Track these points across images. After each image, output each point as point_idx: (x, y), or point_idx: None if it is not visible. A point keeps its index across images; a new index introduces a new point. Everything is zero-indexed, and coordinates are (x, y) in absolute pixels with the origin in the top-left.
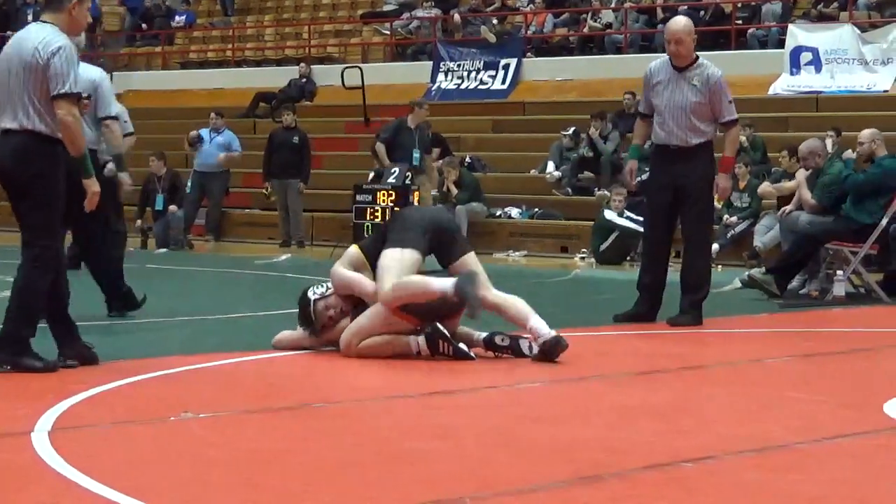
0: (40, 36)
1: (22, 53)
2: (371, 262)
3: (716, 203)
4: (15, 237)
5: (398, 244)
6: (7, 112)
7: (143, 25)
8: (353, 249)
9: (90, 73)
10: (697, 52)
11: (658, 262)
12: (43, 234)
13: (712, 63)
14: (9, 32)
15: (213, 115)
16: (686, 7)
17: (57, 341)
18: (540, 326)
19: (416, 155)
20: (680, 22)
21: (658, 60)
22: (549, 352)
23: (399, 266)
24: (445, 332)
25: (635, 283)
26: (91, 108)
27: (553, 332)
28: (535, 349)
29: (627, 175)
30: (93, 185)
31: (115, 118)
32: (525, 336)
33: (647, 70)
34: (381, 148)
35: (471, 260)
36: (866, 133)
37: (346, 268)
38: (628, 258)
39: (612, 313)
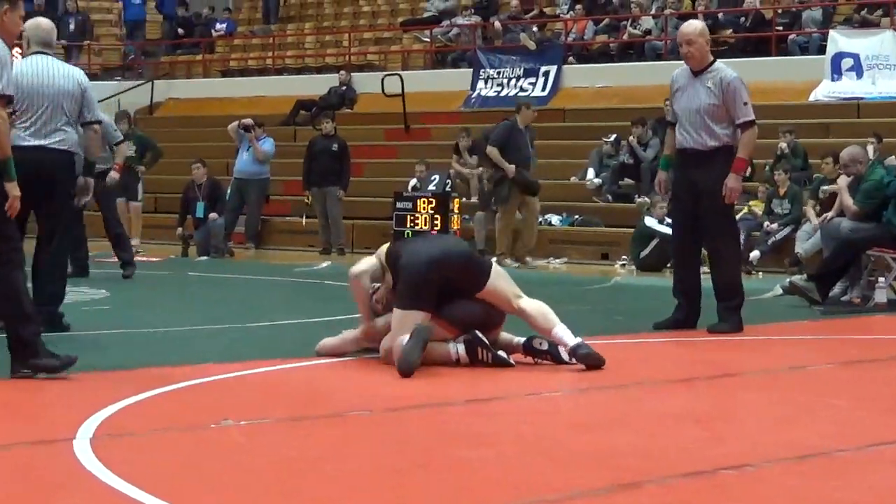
0: None
1: None
2: (390, 266)
3: (752, 208)
4: None
5: (406, 304)
6: None
7: (181, 31)
8: (382, 252)
9: (75, 73)
10: (737, 59)
11: (689, 266)
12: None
13: (748, 69)
14: None
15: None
16: (723, 13)
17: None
18: (564, 335)
19: (531, 154)
20: (691, 24)
21: (679, 68)
22: (582, 360)
23: (407, 329)
24: (485, 339)
25: (672, 291)
26: (75, 111)
27: (577, 340)
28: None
29: (657, 186)
30: (13, 190)
31: (100, 122)
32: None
33: (671, 78)
34: (494, 152)
35: (493, 285)
36: None
37: (377, 261)
38: (668, 265)
39: (652, 320)
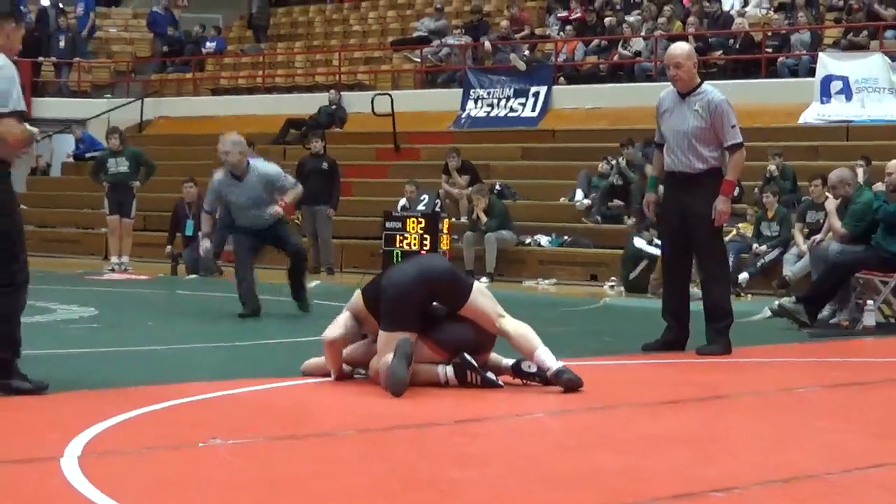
0: None
1: None
2: (373, 313)
3: (741, 231)
4: None
5: (390, 326)
6: None
7: (165, 48)
8: (357, 300)
9: None
10: (726, 81)
11: (678, 288)
12: (6, 260)
13: (737, 92)
14: (40, 59)
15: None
16: (711, 34)
17: None
18: (546, 358)
19: None
20: (679, 47)
21: (666, 90)
22: (563, 386)
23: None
24: (473, 362)
25: (661, 313)
26: None
27: (558, 365)
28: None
29: (646, 208)
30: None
31: None
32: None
33: (658, 100)
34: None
35: (475, 302)
36: (895, 163)
37: (350, 318)
38: None
39: (641, 342)
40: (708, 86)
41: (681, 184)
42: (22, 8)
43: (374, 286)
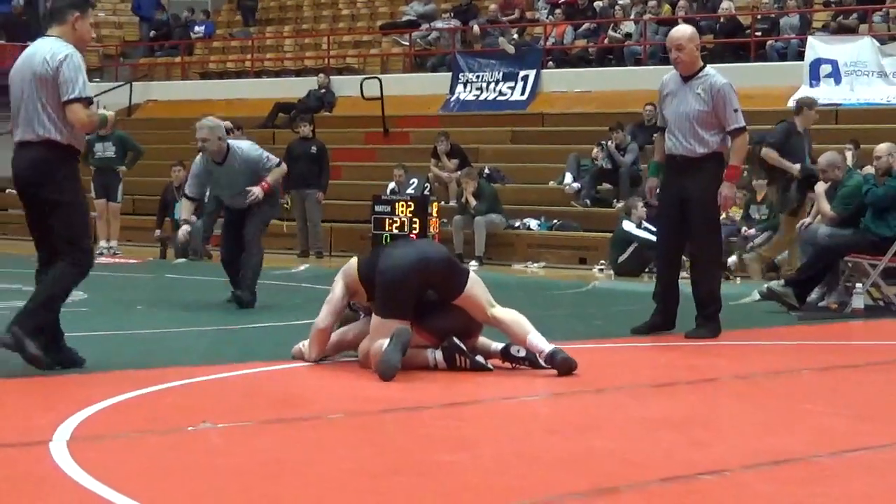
0: (47, 47)
1: (33, 66)
2: (365, 286)
3: (730, 213)
4: (13, 246)
5: (385, 312)
6: (23, 125)
7: (153, 33)
8: (352, 269)
9: None
10: (715, 64)
11: (670, 271)
12: (76, 240)
13: (726, 75)
14: (28, 43)
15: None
16: (700, 17)
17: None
18: (538, 342)
19: (808, 161)
20: (681, 29)
21: (669, 73)
22: (558, 368)
23: (385, 336)
24: (463, 346)
25: (651, 295)
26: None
27: (551, 347)
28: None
29: (647, 193)
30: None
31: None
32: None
33: (660, 83)
34: (772, 153)
35: (471, 292)
36: (883, 147)
37: (342, 289)
38: (646, 270)
39: (630, 325)
40: (711, 69)
41: (681, 167)
42: None
43: (371, 262)
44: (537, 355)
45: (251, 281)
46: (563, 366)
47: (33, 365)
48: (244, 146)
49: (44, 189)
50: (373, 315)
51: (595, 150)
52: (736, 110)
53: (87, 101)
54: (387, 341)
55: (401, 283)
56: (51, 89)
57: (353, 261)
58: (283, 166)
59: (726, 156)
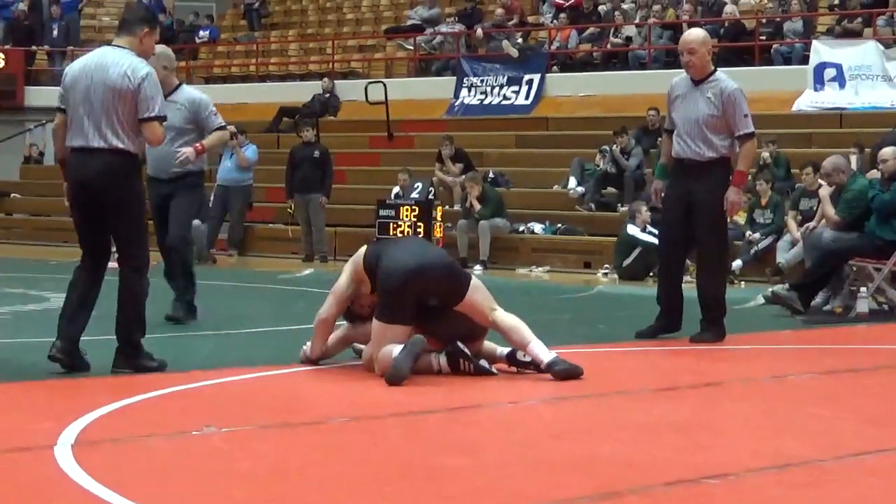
0: (126, 61)
1: (108, 77)
2: (370, 276)
3: (735, 218)
4: (18, 250)
5: (386, 317)
6: (89, 131)
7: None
8: (359, 257)
9: None
10: (721, 68)
11: (674, 275)
12: (138, 245)
13: (734, 78)
14: (33, 47)
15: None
16: (704, 21)
17: None
18: (539, 351)
19: None
20: (693, 32)
21: (680, 76)
22: (560, 376)
23: (388, 341)
24: (467, 351)
25: (655, 298)
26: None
27: (552, 355)
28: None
29: (653, 196)
30: None
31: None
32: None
33: (670, 85)
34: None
35: (472, 297)
36: (889, 151)
37: (347, 279)
38: (651, 274)
39: (635, 329)
40: (722, 74)
41: (688, 171)
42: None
43: (376, 254)
44: (539, 365)
45: (183, 290)
46: (564, 376)
47: (157, 370)
48: (196, 90)
49: (115, 196)
50: (374, 319)
51: (598, 157)
52: (746, 116)
53: (163, 119)
54: (396, 348)
55: (400, 292)
56: (128, 103)
57: (362, 249)
58: (227, 133)
59: (733, 161)
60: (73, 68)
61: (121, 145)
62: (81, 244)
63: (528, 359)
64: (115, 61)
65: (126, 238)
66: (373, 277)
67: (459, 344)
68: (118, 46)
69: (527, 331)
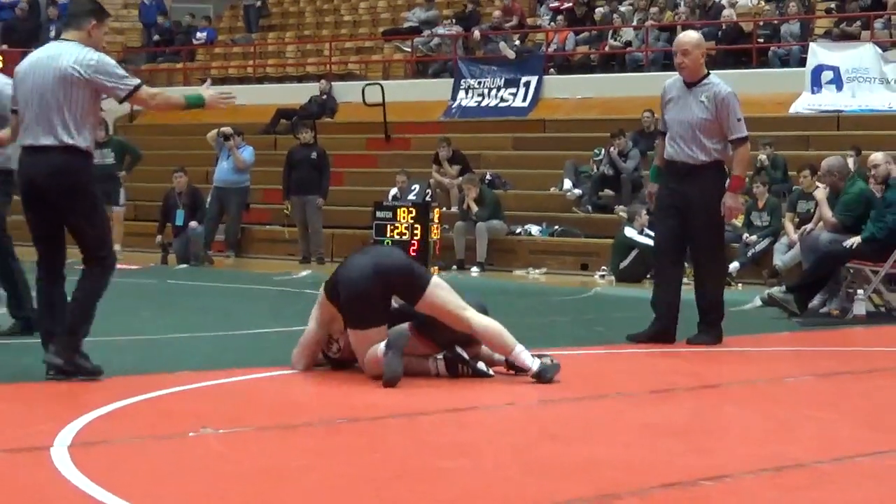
0: (73, 53)
1: (58, 71)
2: (335, 305)
3: (732, 220)
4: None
5: (358, 324)
6: (39, 128)
7: (156, 37)
8: (321, 295)
9: None
10: (717, 70)
11: (669, 280)
12: (99, 244)
13: (728, 81)
14: (32, 48)
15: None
16: (701, 24)
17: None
18: (524, 358)
19: None
20: (688, 35)
21: (672, 78)
22: (544, 381)
23: (369, 345)
24: (465, 355)
25: (650, 302)
26: None
27: (537, 365)
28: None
29: (648, 198)
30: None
31: None
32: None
33: (663, 88)
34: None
35: (432, 295)
36: (879, 156)
37: (314, 325)
38: (648, 276)
39: (632, 331)
40: (715, 77)
41: (681, 174)
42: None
43: (333, 281)
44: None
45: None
46: (553, 382)
47: (95, 377)
48: None
49: (68, 194)
50: (348, 331)
51: (591, 161)
52: (739, 120)
53: (140, 85)
54: (381, 346)
55: (364, 295)
56: (79, 95)
57: (321, 294)
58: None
59: (727, 164)
60: (22, 66)
61: (71, 142)
62: (35, 245)
63: None
64: (61, 54)
65: (85, 239)
66: (339, 304)
67: (458, 349)
68: (66, 40)
69: (508, 336)
